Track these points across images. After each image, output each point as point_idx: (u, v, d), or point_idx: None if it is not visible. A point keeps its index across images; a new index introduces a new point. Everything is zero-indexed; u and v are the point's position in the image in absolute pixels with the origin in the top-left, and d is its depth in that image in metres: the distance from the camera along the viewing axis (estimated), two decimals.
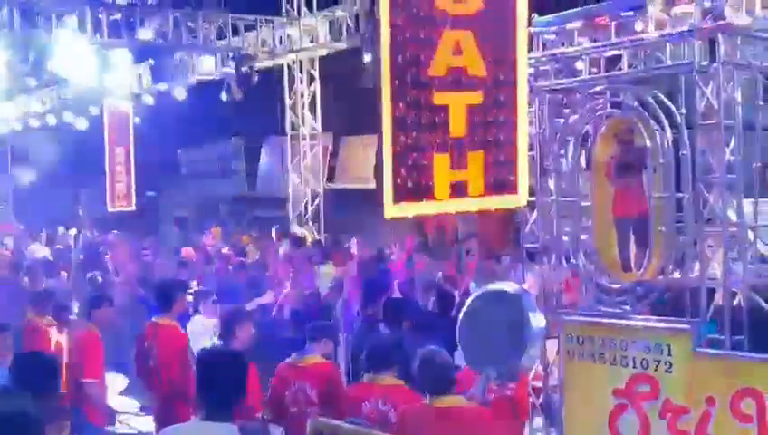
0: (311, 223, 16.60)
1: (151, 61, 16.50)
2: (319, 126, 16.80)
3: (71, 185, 24.79)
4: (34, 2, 13.31)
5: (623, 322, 5.61)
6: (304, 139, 16.71)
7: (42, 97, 20.73)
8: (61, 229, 20.29)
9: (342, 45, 14.98)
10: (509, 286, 5.81)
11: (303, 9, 15.57)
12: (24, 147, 23.68)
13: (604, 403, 5.63)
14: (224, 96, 15.48)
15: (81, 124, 19.67)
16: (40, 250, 15.71)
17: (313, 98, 16.58)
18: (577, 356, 5.82)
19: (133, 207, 19.21)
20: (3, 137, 23.06)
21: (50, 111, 20.67)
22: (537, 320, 5.42)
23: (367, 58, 12.44)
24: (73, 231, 18.87)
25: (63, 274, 12.31)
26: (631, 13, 5.63)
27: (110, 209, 19.32)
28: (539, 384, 6.02)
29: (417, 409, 5.08)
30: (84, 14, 13.81)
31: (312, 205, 16.79)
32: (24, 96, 20.60)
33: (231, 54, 15.60)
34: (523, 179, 5.66)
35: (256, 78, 15.34)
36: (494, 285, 6.08)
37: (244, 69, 15.07)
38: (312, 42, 15.49)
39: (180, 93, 16.86)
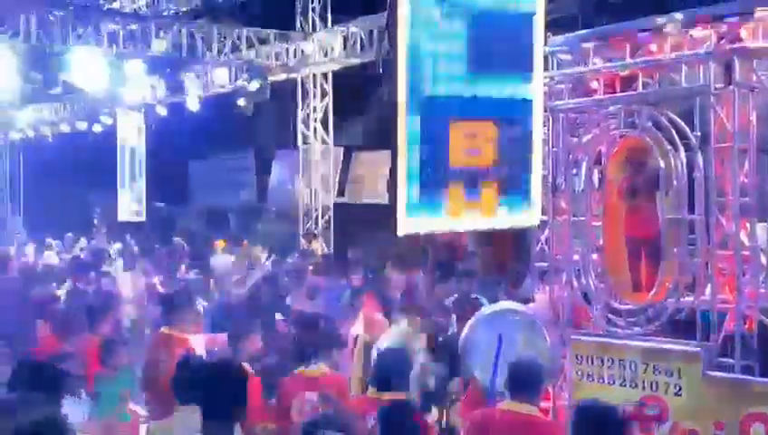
0: (320, 237, 16.59)
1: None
2: (330, 140, 16.83)
3: (82, 194, 24.85)
4: (51, 12, 13.40)
5: (633, 343, 5.59)
6: (315, 153, 16.74)
7: (55, 106, 20.84)
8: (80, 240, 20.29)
9: (356, 61, 15.01)
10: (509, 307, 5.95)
11: (318, 24, 15.63)
12: (37, 155, 23.76)
13: None
14: (237, 108, 15.53)
15: (94, 134, 19.77)
16: (52, 258, 15.73)
17: (326, 112, 16.61)
18: (586, 377, 5.80)
19: (143, 218, 19.27)
20: (15, 144, 23.17)
21: (63, 120, 20.79)
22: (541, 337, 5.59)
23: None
24: (83, 242, 18.89)
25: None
26: (647, 33, 5.63)
27: (120, 219, 19.38)
28: (548, 405, 5.99)
29: (491, 413, 5.14)
30: (100, 24, 13.90)
31: (322, 219, 16.80)
32: (38, 104, 20.72)
33: (245, 67, 15.67)
34: (537, 198, 5.65)
35: (269, 91, 15.38)
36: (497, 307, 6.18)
37: (257, 82, 15.11)
38: (325, 56, 15.53)
39: (193, 105, 16.93)
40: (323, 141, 16.77)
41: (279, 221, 19.15)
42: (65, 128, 20.86)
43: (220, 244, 15.47)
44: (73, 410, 5.13)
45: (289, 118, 17.40)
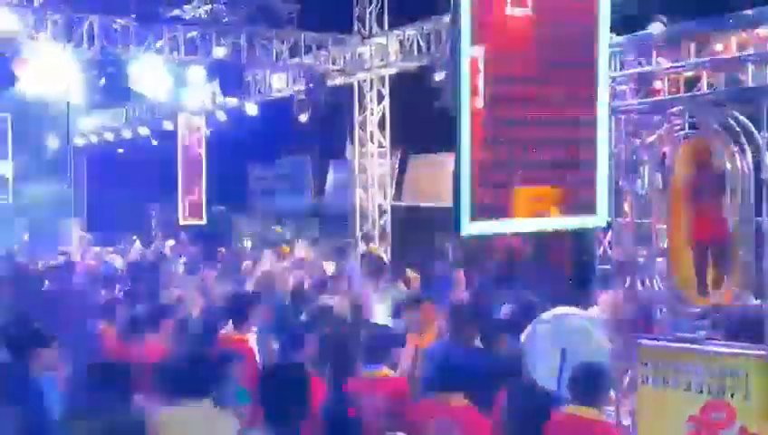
0: (377, 240, 16.65)
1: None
2: (387, 144, 16.87)
3: (144, 198, 25.30)
4: (113, 19, 13.69)
5: (699, 347, 5.50)
6: (372, 156, 16.80)
7: (118, 112, 21.29)
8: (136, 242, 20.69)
9: (413, 64, 15.04)
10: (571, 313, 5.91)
11: (375, 28, 15.69)
12: (100, 159, 24.28)
13: (678, 430, 5.51)
14: (296, 114, 15.68)
15: (156, 139, 20.17)
16: (116, 261, 16.07)
17: (382, 115, 16.66)
18: (651, 382, 5.71)
19: (204, 221, 19.54)
20: (79, 149, 23.67)
21: (126, 126, 21.22)
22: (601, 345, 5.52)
23: (439, 77, 12.45)
24: (138, 245, 19.25)
25: None
26: (712, 32, 5.54)
27: (181, 222, 19.68)
28: (611, 410, 5.92)
29: (553, 417, 5.19)
30: (161, 31, 14.15)
31: (379, 222, 16.85)
32: (101, 110, 21.17)
33: (302, 72, 15.81)
34: (603, 200, 5.61)
35: (326, 96, 15.50)
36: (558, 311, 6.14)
37: (314, 87, 15.24)
38: (382, 60, 15.58)
39: (252, 110, 17.13)
40: (380, 145, 16.83)
41: (336, 225, 19.27)
42: (127, 133, 21.32)
43: (285, 250, 15.61)
44: None
45: (346, 122, 17.49)
